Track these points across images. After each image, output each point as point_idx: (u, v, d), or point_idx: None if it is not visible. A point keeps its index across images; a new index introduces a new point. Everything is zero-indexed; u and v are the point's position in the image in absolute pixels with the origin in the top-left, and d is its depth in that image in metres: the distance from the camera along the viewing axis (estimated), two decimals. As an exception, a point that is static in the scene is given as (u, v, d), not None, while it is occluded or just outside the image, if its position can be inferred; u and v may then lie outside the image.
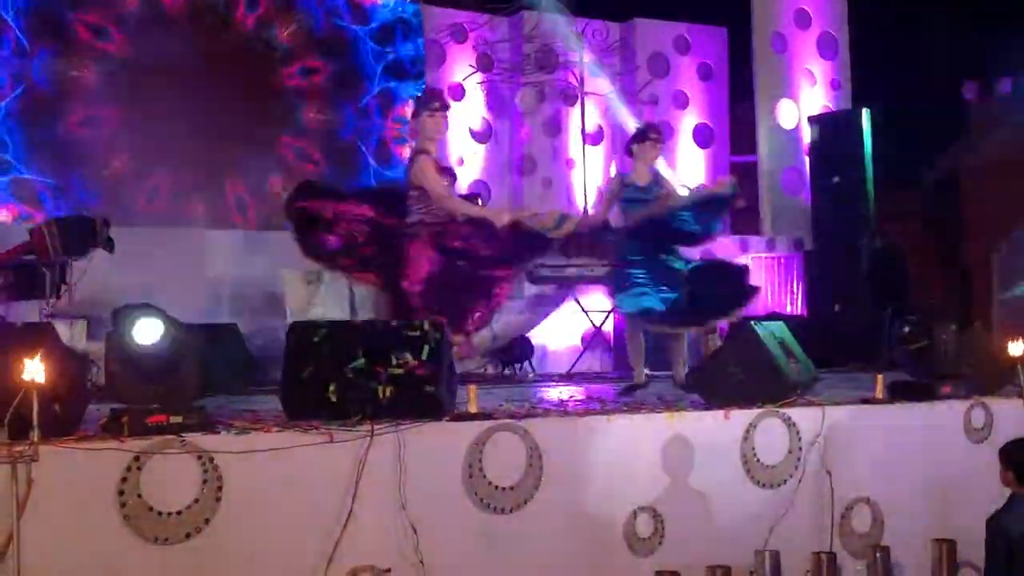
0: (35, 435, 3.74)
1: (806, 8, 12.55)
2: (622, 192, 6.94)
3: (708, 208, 6.84)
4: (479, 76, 12.16)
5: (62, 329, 6.83)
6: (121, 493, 3.92)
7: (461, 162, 12.09)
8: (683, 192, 7.43)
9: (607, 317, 9.40)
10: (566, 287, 9.45)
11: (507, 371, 9.01)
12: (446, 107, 6.03)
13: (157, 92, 10.25)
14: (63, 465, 3.83)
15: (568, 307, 9.53)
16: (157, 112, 10.17)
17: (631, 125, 11.09)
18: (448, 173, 6.12)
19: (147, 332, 4.41)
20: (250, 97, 10.78)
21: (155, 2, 10.46)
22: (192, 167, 10.36)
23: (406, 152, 10.27)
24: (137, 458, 3.95)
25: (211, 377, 6.13)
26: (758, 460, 5.26)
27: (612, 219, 7.08)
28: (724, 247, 10.31)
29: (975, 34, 13.18)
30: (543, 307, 9.78)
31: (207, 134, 10.30)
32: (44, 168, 9.89)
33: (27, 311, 7.42)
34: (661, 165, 7.82)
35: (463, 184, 11.95)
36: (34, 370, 3.74)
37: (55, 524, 3.81)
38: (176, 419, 4.13)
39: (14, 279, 7.31)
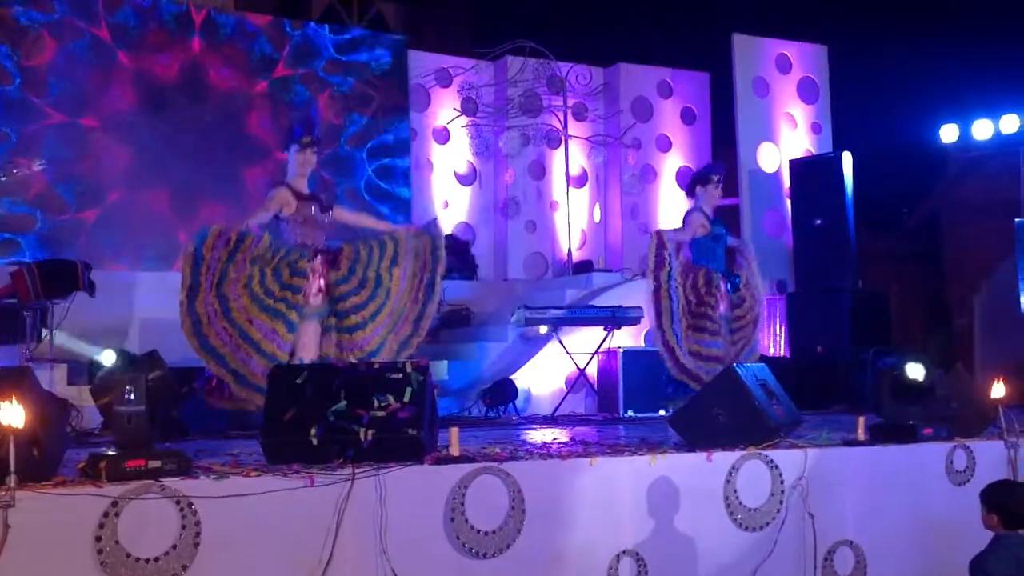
0: (12, 480, 3.71)
1: (787, 53, 12.69)
2: (709, 228, 7.12)
3: None
4: (464, 119, 12.24)
5: (42, 373, 6.82)
6: (98, 539, 3.88)
7: (446, 204, 12.14)
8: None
9: (591, 359, 9.39)
10: (550, 329, 9.46)
11: (491, 413, 8.97)
12: (316, 143, 6.38)
13: (144, 148, 10.36)
14: (40, 510, 3.79)
15: (552, 349, 9.52)
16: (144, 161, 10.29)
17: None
18: (313, 200, 6.30)
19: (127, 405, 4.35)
20: (231, 146, 10.84)
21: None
22: (177, 211, 10.38)
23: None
24: (115, 503, 3.91)
25: (188, 420, 6.14)
26: (741, 503, 5.24)
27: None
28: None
29: (953, 78, 13.37)
30: (527, 349, 9.77)
31: (187, 182, 10.38)
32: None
33: (8, 355, 7.38)
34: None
35: (448, 226, 12.01)
36: (11, 415, 3.72)
37: (31, 570, 3.76)
38: (154, 464, 4.09)
39: (-5, 323, 7.28)
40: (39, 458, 3.97)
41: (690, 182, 7.57)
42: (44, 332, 7.43)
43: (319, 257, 6.29)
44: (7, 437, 3.70)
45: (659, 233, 7.34)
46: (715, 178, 7.33)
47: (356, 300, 6.36)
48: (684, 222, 7.44)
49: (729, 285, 7.33)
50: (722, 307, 7.31)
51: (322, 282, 6.29)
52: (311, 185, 6.52)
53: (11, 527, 3.70)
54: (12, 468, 3.71)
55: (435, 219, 7.07)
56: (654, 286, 7.14)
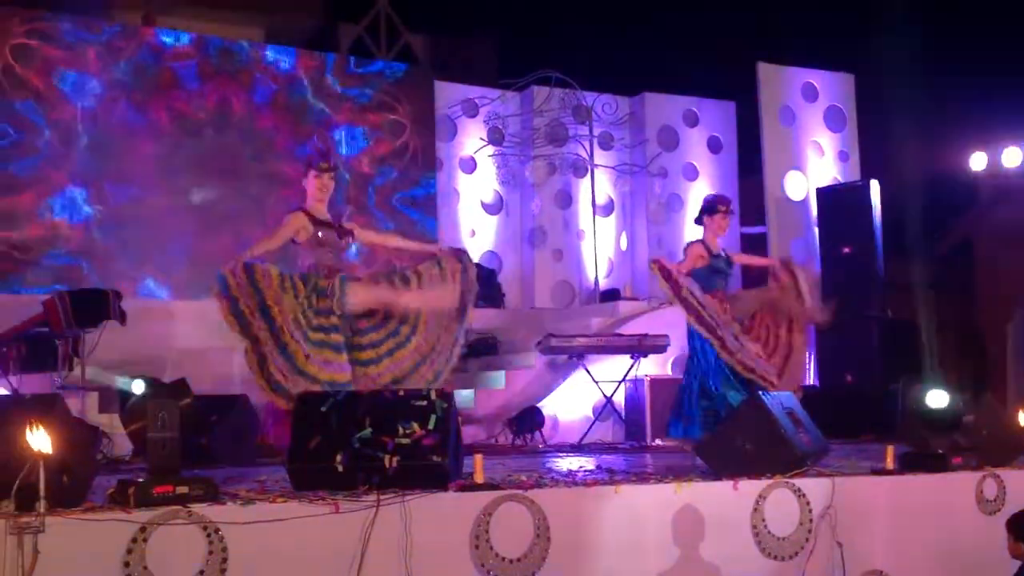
0: (42, 506, 3.75)
1: (813, 82, 12.71)
2: (709, 259, 7.08)
3: None
4: (490, 149, 12.32)
5: (73, 401, 6.90)
6: (127, 564, 3.91)
7: (473, 233, 12.20)
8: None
9: (618, 387, 9.38)
10: (576, 357, 9.46)
11: (517, 441, 8.98)
12: (333, 168, 6.44)
13: (177, 174, 10.50)
14: (69, 536, 3.82)
15: (578, 377, 9.52)
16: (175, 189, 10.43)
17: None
18: (331, 225, 6.33)
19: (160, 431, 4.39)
20: (262, 177, 10.97)
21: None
22: (208, 239, 10.51)
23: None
24: (143, 529, 3.94)
25: (217, 448, 6.18)
26: (768, 531, 5.21)
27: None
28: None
29: (982, 106, 13.31)
30: (553, 377, 9.77)
31: (219, 211, 10.51)
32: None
33: (40, 383, 7.47)
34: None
35: (475, 255, 12.06)
36: (41, 442, 3.77)
37: (60, 595, 3.80)
38: (182, 489, 4.12)
39: (27, 351, 7.37)
40: (68, 484, 4.01)
41: (699, 212, 7.55)
42: (75, 360, 7.51)
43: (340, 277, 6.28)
44: (37, 463, 3.74)
45: (657, 261, 7.24)
46: (721, 208, 7.32)
47: (374, 336, 6.35)
48: (684, 253, 7.44)
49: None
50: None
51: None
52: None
53: (40, 552, 3.73)
54: (42, 493, 3.75)
55: (463, 249, 7.07)
56: (686, 307, 7.06)
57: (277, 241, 6.31)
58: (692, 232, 12.51)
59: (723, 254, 7.43)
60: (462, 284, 6.57)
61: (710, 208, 7.40)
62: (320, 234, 6.27)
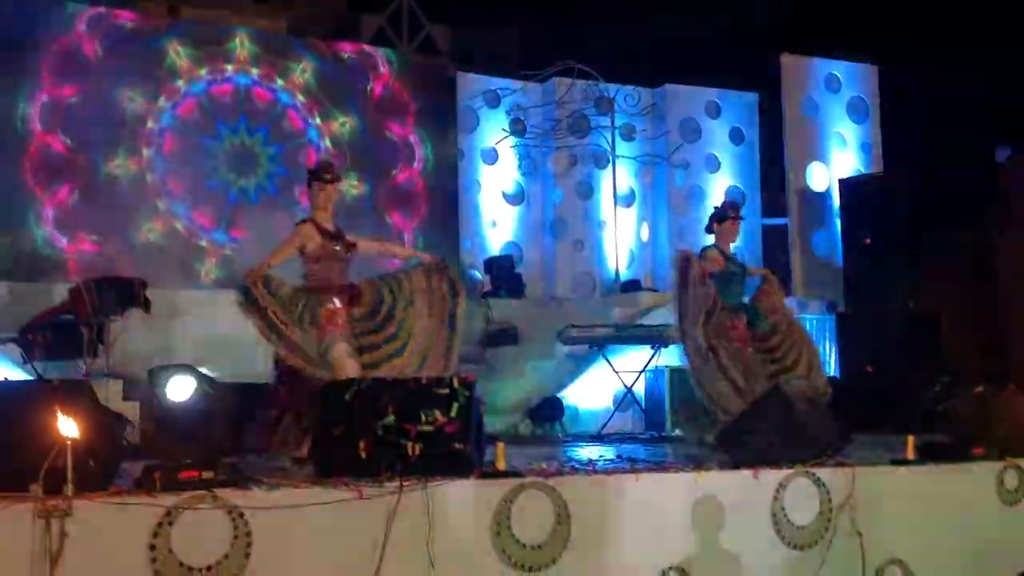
0: (69, 490, 3.81)
1: (836, 73, 12.66)
2: (724, 264, 7.11)
3: None
4: (512, 140, 12.33)
5: (98, 388, 6.96)
6: (152, 548, 3.96)
7: (494, 224, 12.23)
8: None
9: (638, 377, 9.40)
10: (597, 348, 9.47)
11: (538, 431, 9.01)
12: (337, 179, 6.45)
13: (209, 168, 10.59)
14: (96, 519, 3.88)
15: (599, 367, 9.54)
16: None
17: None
18: (337, 238, 6.33)
19: (179, 390, 4.49)
20: (285, 167, 11.04)
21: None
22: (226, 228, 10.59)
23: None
24: (168, 513, 3.99)
25: (244, 435, 6.22)
26: (789, 520, 5.22)
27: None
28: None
29: (1007, 96, 13.21)
30: (574, 367, 9.79)
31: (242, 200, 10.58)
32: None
33: (65, 370, 7.55)
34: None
35: (496, 245, 12.08)
36: (69, 426, 3.83)
37: (88, 577, 3.86)
38: (208, 475, 4.17)
39: (53, 338, 7.44)
40: (95, 468, 4.07)
41: (709, 220, 7.56)
42: (100, 348, 7.58)
43: (340, 297, 6.31)
44: (64, 447, 3.80)
45: (686, 254, 7.26)
46: (731, 214, 7.36)
47: (374, 339, 6.34)
48: (701, 256, 7.43)
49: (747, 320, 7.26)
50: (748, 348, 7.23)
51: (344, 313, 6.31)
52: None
53: (68, 535, 3.79)
54: (69, 477, 3.80)
55: (444, 259, 7.03)
56: (677, 304, 7.13)
57: (287, 253, 6.29)
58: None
59: (737, 259, 7.49)
60: (451, 294, 6.61)
61: (720, 216, 7.41)
62: (327, 246, 6.29)
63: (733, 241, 7.46)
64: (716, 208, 7.64)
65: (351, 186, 11.28)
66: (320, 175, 6.40)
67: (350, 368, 6.04)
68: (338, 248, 6.32)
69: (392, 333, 6.38)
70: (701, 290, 7.08)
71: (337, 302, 6.19)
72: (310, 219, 6.34)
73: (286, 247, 6.30)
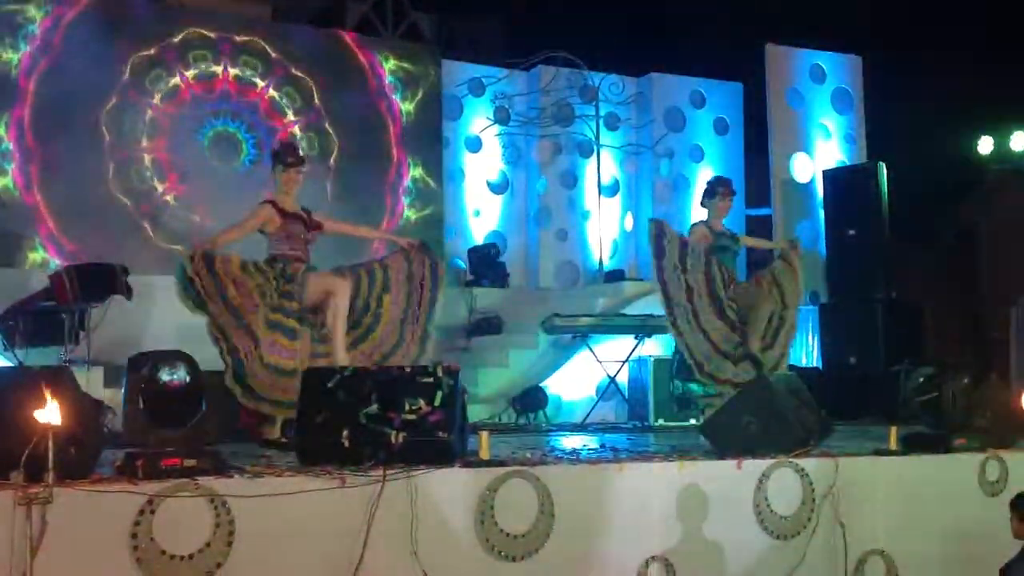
0: (50, 477, 3.78)
1: (820, 64, 12.66)
2: (712, 239, 7.16)
3: None
4: (496, 128, 12.30)
5: (79, 375, 6.90)
6: (134, 536, 3.94)
7: (478, 213, 12.20)
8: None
9: (621, 367, 9.40)
10: (581, 337, 9.47)
11: (521, 420, 9.01)
12: (300, 162, 6.48)
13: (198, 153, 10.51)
14: (77, 507, 3.86)
15: (582, 357, 9.53)
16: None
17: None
18: (298, 218, 6.34)
19: (175, 374, 4.48)
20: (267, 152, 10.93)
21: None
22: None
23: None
24: (150, 501, 3.97)
25: (229, 423, 6.20)
26: (772, 510, 5.24)
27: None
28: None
29: (990, 89, 13.27)
30: (557, 357, 9.79)
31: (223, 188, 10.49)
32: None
33: (46, 357, 7.49)
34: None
35: (479, 234, 12.06)
36: (50, 413, 3.79)
37: (68, 565, 3.83)
38: (190, 462, 4.15)
39: (33, 325, 7.39)
40: (77, 456, 4.04)
41: (702, 196, 7.68)
42: (81, 335, 7.52)
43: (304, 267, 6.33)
44: (46, 434, 3.76)
45: (658, 222, 7.39)
46: (720, 190, 7.48)
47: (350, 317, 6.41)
48: (689, 233, 7.54)
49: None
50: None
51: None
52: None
53: (49, 523, 3.76)
54: (50, 465, 3.77)
55: (421, 241, 7.04)
56: (657, 271, 7.19)
57: (243, 231, 6.36)
58: (698, 213, 12.53)
59: (727, 232, 7.54)
60: (431, 279, 6.65)
61: (710, 191, 7.56)
62: (288, 226, 6.31)
63: (724, 216, 7.52)
64: (707, 183, 7.71)
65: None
66: (283, 158, 6.44)
67: (339, 285, 6.07)
68: (298, 227, 6.33)
69: (352, 322, 6.39)
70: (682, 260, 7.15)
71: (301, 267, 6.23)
72: (270, 201, 6.35)
73: (242, 227, 6.36)
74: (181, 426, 4.32)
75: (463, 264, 11.79)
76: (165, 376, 4.20)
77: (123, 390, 5.60)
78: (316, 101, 11.27)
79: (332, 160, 11.22)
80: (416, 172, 11.73)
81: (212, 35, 10.79)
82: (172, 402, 4.34)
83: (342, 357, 6.13)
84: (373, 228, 7.08)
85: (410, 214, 11.65)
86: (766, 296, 7.34)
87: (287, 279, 6.25)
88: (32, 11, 9.89)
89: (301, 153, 6.69)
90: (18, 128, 9.70)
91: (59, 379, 4.17)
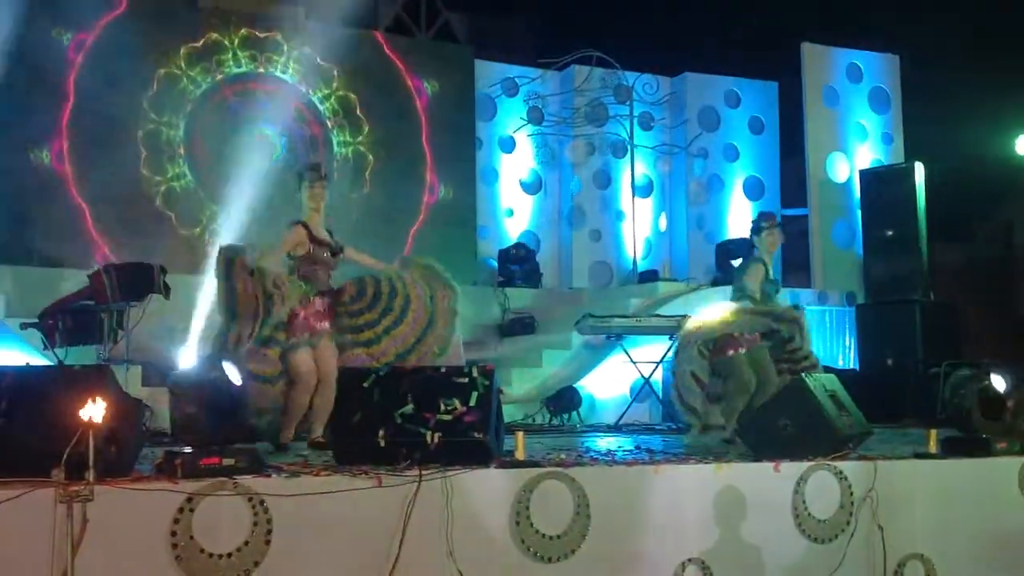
0: (91, 475, 3.81)
1: (857, 63, 12.56)
2: (761, 280, 7.01)
3: None
4: (530, 128, 12.29)
5: (117, 373, 6.96)
6: (173, 534, 3.97)
7: (511, 213, 12.20)
8: None
9: (655, 368, 9.36)
10: (614, 338, 9.44)
11: (555, 421, 8.99)
12: (322, 178, 6.47)
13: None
14: (118, 505, 3.88)
15: (616, 357, 9.51)
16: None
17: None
18: (326, 244, 6.33)
19: (234, 375, 4.49)
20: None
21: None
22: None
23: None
24: (190, 499, 4.00)
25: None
26: (809, 513, 5.19)
27: None
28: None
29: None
30: (591, 357, 9.76)
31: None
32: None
33: (84, 356, 7.55)
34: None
35: (513, 233, 12.07)
36: (91, 411, 3.82)
37: (109, 563, 3.86)
38: (228, 461, 4.17)
39: (73, 323, 7.45)
40: (117, 454, 4.07)
41: (750, 233, 7.44)
42: (120, 333, 7.59)
43: (320, 300, 6.30)
44: (87, 433, 3.79)
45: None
46: (764, 225, 7.23)
47: (369, 316, 6.38)
48: (745, 270, 7.21)
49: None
50: None
51: (326, 316, 6.31)
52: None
53: (90, 521, 3.79)
54: (91, 463, 3.80)
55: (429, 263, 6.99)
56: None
57: (279, 254, 6.35)
58: (733, 214, 12.48)
59: (770, 276, 7.15)
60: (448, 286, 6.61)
61: (756, 229, 7.29)
62: (315, 252, 6.31)
63: (774, 250, 7.30)
64: (752, 221, 7.52)
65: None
66: (305, 175, 6.44)
67: (305, 371, 6.03)
68: (326, 255, 6.35)
69: (383, 310, 6.37)
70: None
71: (318, 303, 6.21)
72: (302, 222, 6.34)
73: (275, 251, 6.34)
74: (238, 426, 4.36)
75: (495, 264, 11.80)
76: (234, 377, 4.24)
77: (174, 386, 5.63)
78: (349, 101, 11.32)
79: (365, 150, 11.24)
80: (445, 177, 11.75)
81: (246, 35, 10.85)
82: (234, 402, 4.36)
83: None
84: (389, 264, 6.95)
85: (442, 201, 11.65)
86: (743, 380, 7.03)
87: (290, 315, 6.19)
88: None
89: (323, 170, 6.68)
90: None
91: (101, 378, 4.20)
